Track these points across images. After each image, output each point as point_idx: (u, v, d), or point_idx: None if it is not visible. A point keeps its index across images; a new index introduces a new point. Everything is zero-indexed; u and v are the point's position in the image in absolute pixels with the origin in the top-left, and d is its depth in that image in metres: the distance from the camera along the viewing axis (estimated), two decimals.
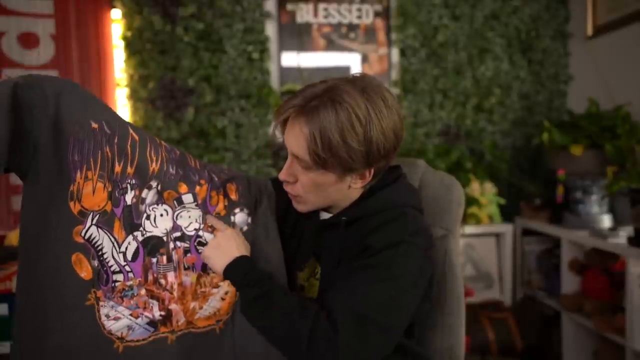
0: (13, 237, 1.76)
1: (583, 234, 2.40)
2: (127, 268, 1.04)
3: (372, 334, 0.92)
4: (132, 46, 2.65)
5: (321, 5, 2.83)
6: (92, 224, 1.00)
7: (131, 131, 1.05)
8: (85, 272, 0.99)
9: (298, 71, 2.82)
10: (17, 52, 2.39)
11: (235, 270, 1.01)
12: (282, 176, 1.05)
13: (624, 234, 2.20)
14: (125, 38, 2.64)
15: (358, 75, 1.02)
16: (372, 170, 1.03)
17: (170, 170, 1.09)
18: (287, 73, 2.82)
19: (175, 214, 1.10)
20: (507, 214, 2.91)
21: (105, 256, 1.02)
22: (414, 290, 0.99)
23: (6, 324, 1.23)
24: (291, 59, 2.82)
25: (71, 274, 0.98)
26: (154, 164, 1.07)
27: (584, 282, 2.47)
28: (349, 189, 1.05)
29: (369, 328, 0.91)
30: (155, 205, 1.08)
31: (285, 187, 1.07)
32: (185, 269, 1.09)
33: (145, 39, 2.64)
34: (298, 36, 2.82)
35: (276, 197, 1.21)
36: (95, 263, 1.01)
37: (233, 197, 1.16)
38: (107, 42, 2.61)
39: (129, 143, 1.04)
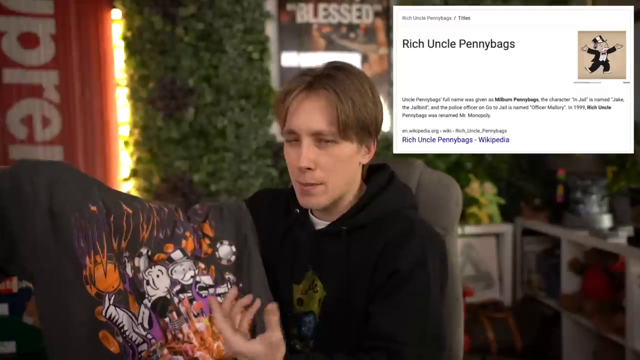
0: None
1: (583, 234, 2.40)
2: (149, 336, 1.05)
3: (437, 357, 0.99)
4: (132, 46, 2.65)
5: (321, 5, 2.83)
6: (109, 305, 1.01)
7: (124, 206, 1.06)
8: (113, 347, 1.00)
9: (298, 71, 2.82)
10: (17, 52, 2.40)
11: None
12: (304, 162, 0.98)
13: (624, 234, 2.20)
14: (125, 38, 2.65)
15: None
16: (374, 143, 1.04)
17: (160, 235, 1.11)
18: (287, 73, 2.82)
19: (170, 270, 1.11)
20: (507, 214, 2.91)
21: (127, 333, 1.03)
22: (442, 299, 1.05)
23: (6, 324, 1.23)
24: (291, 59, 2.83)
25: (102, 350, 0.99)
26: (144, 232, 1.09)
27: (584, 282, 2.47)
28: (358, 167, 1.05)
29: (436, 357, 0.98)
30: (150, 269, 1.09)
31: (302, 179, 1.01)
32: (195, 316, 1.10)
33: (146, 39, 2.64)
34: (298, 36, 2.82)
35: (256, 215, 1.19)
36: (120, 339, 1.02)
37: (210, 234, 1.17)
38: (107, 42, 2.61)
39: (124, 219, 1.05)
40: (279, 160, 2.80)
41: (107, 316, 1.01)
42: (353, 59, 2.87)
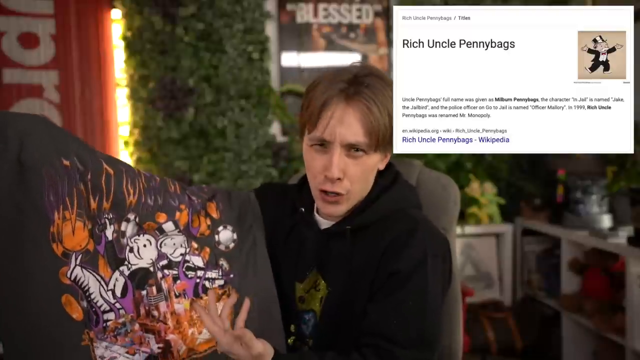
0: None
1: (583, 234, 2.40)
2: (118, 305, 1.01)
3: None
4: (132, 46, 2.65)
5: (321, 5, 2.83)
6: (76, 265, 0.97)
7: (105, 165, 1.02)
8: (76, 313, 0.96)
9: (298, 71, 2.82)
10: (17, 52, 2.40)
11: None
12: (336, 173, 0.97)
13: (623, 234, 2.20)
14: (125, 38, 2.65)
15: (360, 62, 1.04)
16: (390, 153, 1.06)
17: (149, 201, 1.06)
18: (287, 73, 2.82)
19: (159, 242, 1.07)
20: (507, 214, 2.91)
21: (92, 296, 0.98)
22: (443, 300, 1.04)
23: None
24: (291, 59, 2.83)
25: (63, 316, 0.94)
26: (131, 196, 1.04)
27: (584, 282, 2.47)
28: (376, 172, 1.06)
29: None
30: (137, 237, 1.05)
31: (328, 187, 1.00)
32: (176, 296, 1.06)
33: (146, 39, 2.64)
34: (298, 36, 2.82)
35: (263, 208, 1.18)
36: (84, 304, 0.97)
37: (215, 215, 1.14)
38: (107, 42, 2.61)
39: (102, 179, 1.01)
40: (279, 160, 2.80)
41: (72, 278, 0.96)
42: (353, 59, 2.86)
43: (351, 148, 0.98)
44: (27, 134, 0.94)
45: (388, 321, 0.96)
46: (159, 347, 1.03)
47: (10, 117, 0.95)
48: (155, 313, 1.04)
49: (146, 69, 2.66)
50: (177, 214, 1.10)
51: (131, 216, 1.05)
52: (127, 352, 1.01)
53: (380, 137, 0.97)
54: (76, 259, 0.97)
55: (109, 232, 1.02)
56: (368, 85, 0.97)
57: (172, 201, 1.10)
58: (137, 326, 1.02)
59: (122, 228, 1.04)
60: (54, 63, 2.47)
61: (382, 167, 1.06)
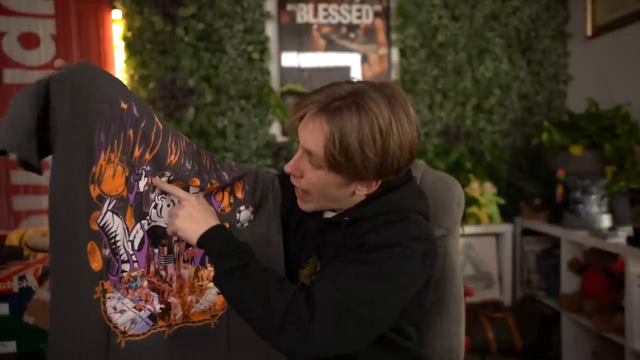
0: (13, 237, 1.76)
1: (582, 234, 2.40)
2: (134, 258, 1.02)
3: (349, 325, 0.90)
4: (133, 46, 2.65)
5: (321, 6, 2.84)
6: (107, 210, 0.97)
7: (156, 119, 1.04)
8: (96, 262, 0.96)
9: (298, 71, 2.83)
10: (17, 52, 2.40)
11: (212, 240, 0.98)
12: (288, 169, 1.04)
13: (623, 234, 2.20)
14: (125, 38, 2.65)
15: (386, 83, 1.00)
16: (379, 182, 1.02)
17: (187, 165, 1.08)
18: (287, 73, 2.82)
19: None
20: (507, 214, 2.91)
21: (117, 244, 0.99)
22: (401, 293, 0.96)
23: (7, 323, 1.23)
24: (291, 59, 2.83)
25: (85, 266, 0.95)
26: (172, 155, 1.05)
27: (584, 282, 2.48)
28: (352, 195, 1.04)
29: (346, 319, 0.90)
30: (164, 195, 1.06)
31: (292, 180, 1.06)
32: (184, 261, 1.09)
33: (146, 39, 2.65)
34: (298, 36, 2.82)
35: (284, 195, 1.20)
36: (107, 252, 0.98)
37: (239, 195, 1.16)
38: (108, 42, 2.61)
39: (154, 131, 1.03)
40: (279, 160, 2.80)
41: (102, 224, 0.97)
42: (353, 59, 2.87)
43: (309, 154, 1.00)
44: (96, 74, 0.96)
45: (329, 272, 0.95)
46: (160, 307, 1.05)
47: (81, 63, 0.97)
48: (163, 273, 1.06)
49: (146, 69, 2.66)
50: (208, 185, 1.12)
51: (167, 173, 1.05)
52: (134, 307, 1.02)
53: (326, 158, 0.96)
54: (110, 203, 0.98)
55: (142, 184, 1.03)
56: (339, 109, 0.95)
57: (204, 174, 1.11)
58: (145, 283, 1.04)
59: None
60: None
61: (361, 192, 1.04)
